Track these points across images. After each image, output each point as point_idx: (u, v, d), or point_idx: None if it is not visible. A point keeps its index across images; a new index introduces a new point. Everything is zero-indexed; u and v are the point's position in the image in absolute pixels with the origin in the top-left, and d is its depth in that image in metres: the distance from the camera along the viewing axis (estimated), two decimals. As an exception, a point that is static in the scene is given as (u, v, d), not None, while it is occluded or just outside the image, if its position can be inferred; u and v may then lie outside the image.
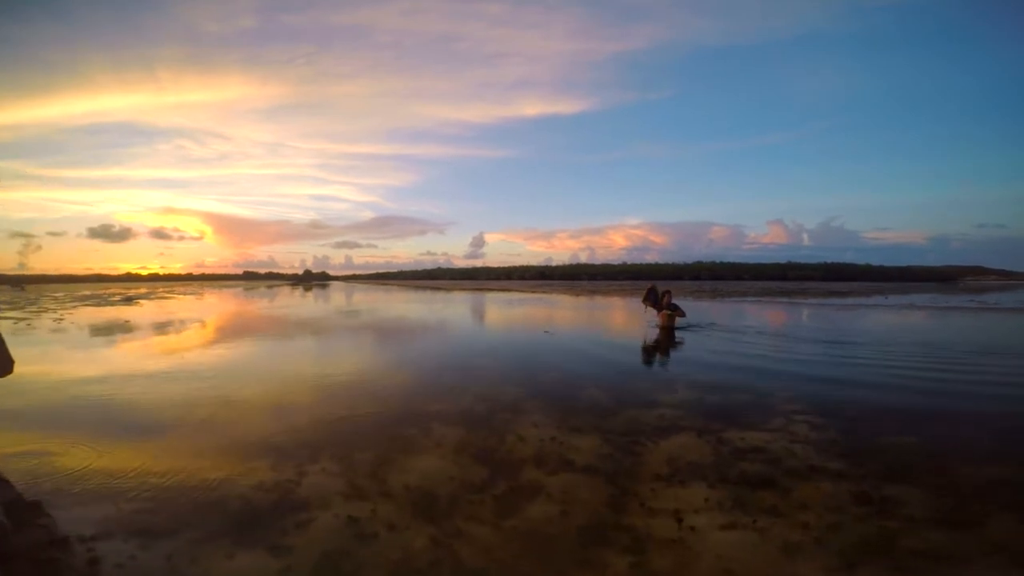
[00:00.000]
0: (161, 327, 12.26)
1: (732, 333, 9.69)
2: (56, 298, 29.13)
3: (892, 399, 4.91)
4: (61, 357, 7.61)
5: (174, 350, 8.22)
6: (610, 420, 4.14)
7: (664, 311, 10.47)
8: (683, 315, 10.37)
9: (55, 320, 14.05)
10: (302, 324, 12.83)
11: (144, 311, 18.18)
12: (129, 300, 26.22)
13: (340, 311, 17.75)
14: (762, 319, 13.79)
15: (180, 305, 21.99)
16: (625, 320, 12.99)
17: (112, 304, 22.51)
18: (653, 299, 10.98)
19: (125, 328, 11.95)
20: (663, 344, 8.36)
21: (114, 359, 7.52)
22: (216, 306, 21.27)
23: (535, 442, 3.62)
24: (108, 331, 11.33)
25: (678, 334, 9.52)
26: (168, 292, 40.71)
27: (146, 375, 6.27)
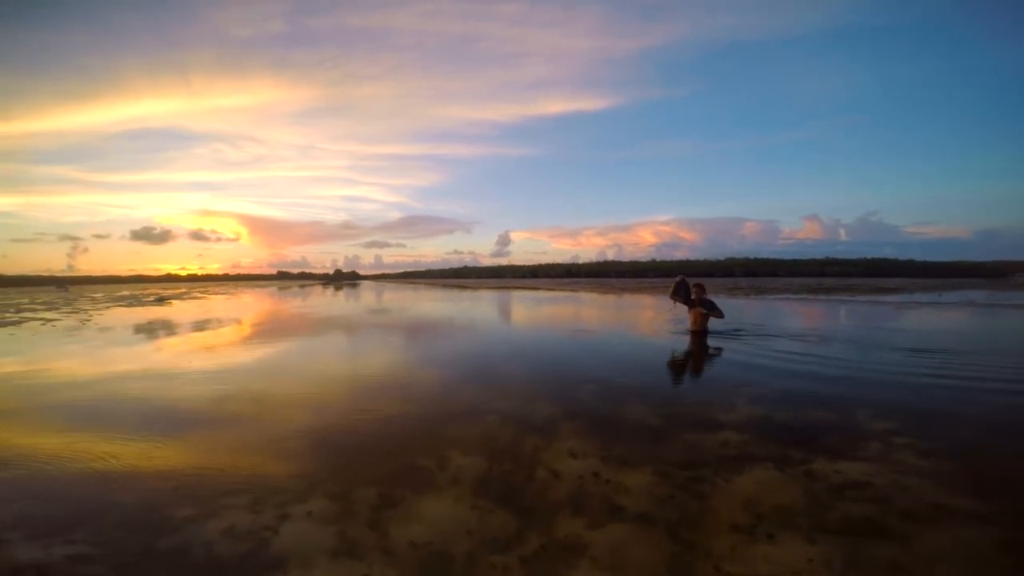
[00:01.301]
0: (179, 328, 12.05)
1: (785, 337, 8.40)
2: (94, 299, 29.91)
3: (1015, 418, 4.02)
4: (64, 356, 7.31)
5: (179, 352, 7.84)
6: (664, 447, 3.40)
7: (696, 308, 8.88)
8: (720, 315, 8.68)
9: (81, 321, 14.08)
10: (320, 325, 12.43)
11: (171, 311, 18.23)
12: (161, 300, 26.63)
13: (362, 311, 17.37)
14: (814, 319, 12.64)
15: (207, 305, 22.09)
16: (659, 320, 12.05)
17: (144, 305, 22.81)
18: (683, 294, 9.21)
19: (145, 329, 11.78)
20: (697, 353, 7.23)
21: (115, 360, 7.16)
22: (242, 306, 21.26)
23: (573, 479, 2.91)
24: (127, 332, 11.15)
25: (712, 341, 8.02)
26: (202, 292, 41.54)
27: (138, 376, 5.86)
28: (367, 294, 33.79)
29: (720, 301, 9.82)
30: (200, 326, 12.49)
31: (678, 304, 9.34)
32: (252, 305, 21.98)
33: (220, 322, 13.56)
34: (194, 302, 25.01)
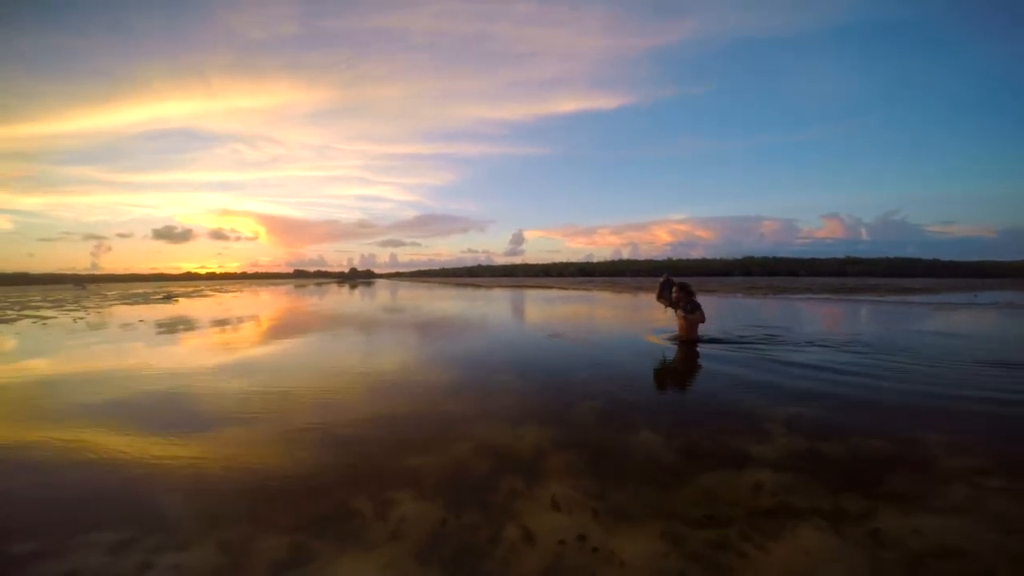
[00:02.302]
0: (166, 326, 11.52)
1: (819, 345, 7.22)
2: (105, 296, 29.94)
3: None
4: (34, 354, 6.76)
5: (147, 351, 7.24)
6: (676, 494, 2.61)
7: (679, 312, 7.71)
8: (701, 319, 7.53)
9: (74, 319, 13.69)
10: (308, 324, 11.80)
11: (172, 309, 17.85)
12: (168, 298, 26.44)
13: (360, 308, 16.75)
14: (848, 323, 11.60)
15: (211, 304, 21.73)
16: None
17: (150, 303, 22.57)
18: (668, 295, 7.98)
19: (132, 327, 11.27)
20: (684, 364, 6.16)
21: (81, 359, 6.57)
22: (243, 304, 20.84)
23: (551, 545, 2.13)
24: (115, 329, 10.64)
25: (710, 349, 6.85)
26: (214, 291, 41.54)
27: (78, 380, 5.22)
28: (376, 292, 33.32)
29: (736, 302, 8.93)
30: (190, 325, 11.96)
31: (669, 308, 8.12)
32: (253, 304, 21.55)
33: (211, 321, 13.04)
34: (200, 300, 24.73)
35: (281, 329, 11.00)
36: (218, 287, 54.43)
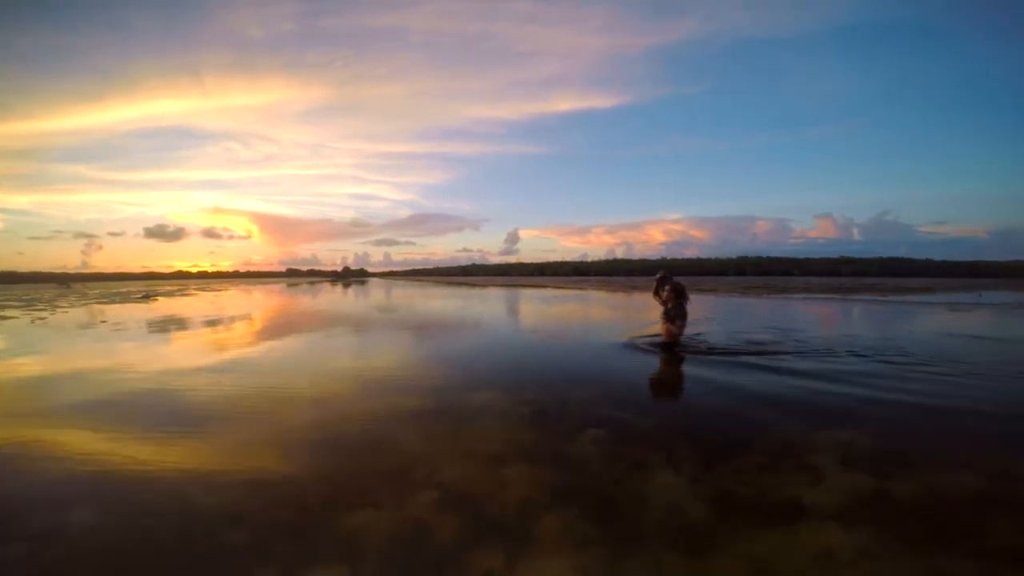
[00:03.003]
0: (127, 326, 10.65)
1: (844, 352, 6.25)
2: (84, 295, 28.88)
3: None
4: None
5: (90, 353, 6.42)
6: (717, 566, 1.86)
7: (662, 315, 6.95)
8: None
9: (34, 320, 12.78)
10: (281, 325, 10.97)
11: (144, 309, 16.91)
12: (147, 297, 25.45)
13: (345, 307, 15.92)
14: (865, 325, 10.89)
15: (190, 303, 20.79)
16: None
17: (126, 302, 21.59)
18: (661, 294, 7.17)
19: (90, 327, 10.39)
20: (686, 377, 5.30)
21: (23, 361, 5.75)
22: (222, 304, 19.93)
23: None
24: (72, 329, 9.77)
25: (720, 359, 5.86)
26: (200, 289, 40.46)
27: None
28: (365, 291, 32.40)
29: (736, 302, 8.19)
30: (155, 326, 11.10)
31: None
32: (229, 303, 20.62)
33: (176, 322, 12.17)
34: (180, 299, 23.75)
35: (238, 333, 10.16)
36: (205, 286, 53.25)
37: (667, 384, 5.01)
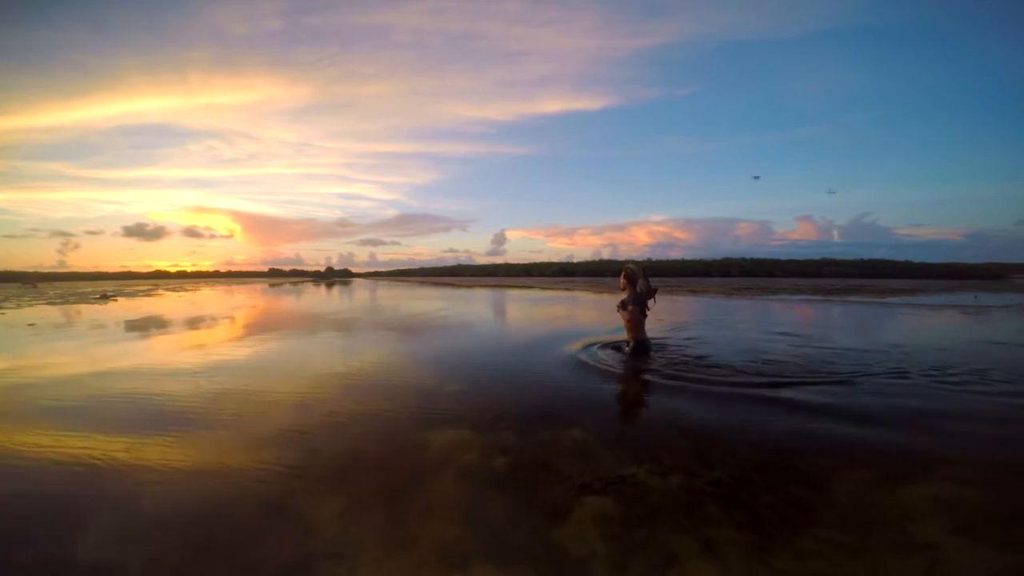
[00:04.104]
0: (60, 329, 9.35)
1: (912, 370, 5.13)
2: (44, 295, 27.08)
3: None
4: None
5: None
6: None
7: (626, 307, 6.04)
8: (633, 312, 5.89)
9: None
10: (235, 330, 9.77)
11: (92, 310, 15.47)
12: (104, 298, 23.84)
13: (319, 312, 14.70)
14: (879, 330, 10.06)
15: (148, 304, 19.31)
16: (677, 325, 9.43)
17: (81, 302, 20.02)
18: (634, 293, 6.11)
19: (21, 330, 9.08)
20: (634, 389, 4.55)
21: None
22: (182, 305, 18.52)
23: None
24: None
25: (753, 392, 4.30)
26: (169, 289, 38.63)
27: None
28: (344, 291, 31.01)
29: (729, 303, 7.20)
30: (88, 328, 9.79)
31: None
32: (192, 304, 19.20)
33: (113, 324, 10.87)
34: (141, 300, 22.20)
35: (170, 336, 8.94)
36: (179, 286, 51.20)
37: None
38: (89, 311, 15.64)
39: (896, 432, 3.36)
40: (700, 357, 5.86)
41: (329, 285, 49.04)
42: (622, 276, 6.25)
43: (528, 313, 13.63)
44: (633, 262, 6.39)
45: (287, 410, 3.97)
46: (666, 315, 11.40)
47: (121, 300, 21.98)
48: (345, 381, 5.02)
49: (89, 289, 40.58)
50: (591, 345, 6.75)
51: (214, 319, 12.64)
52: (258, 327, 10.59)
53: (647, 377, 4.91)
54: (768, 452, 3.05)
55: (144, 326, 10.93)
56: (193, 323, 11.57)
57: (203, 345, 7.77)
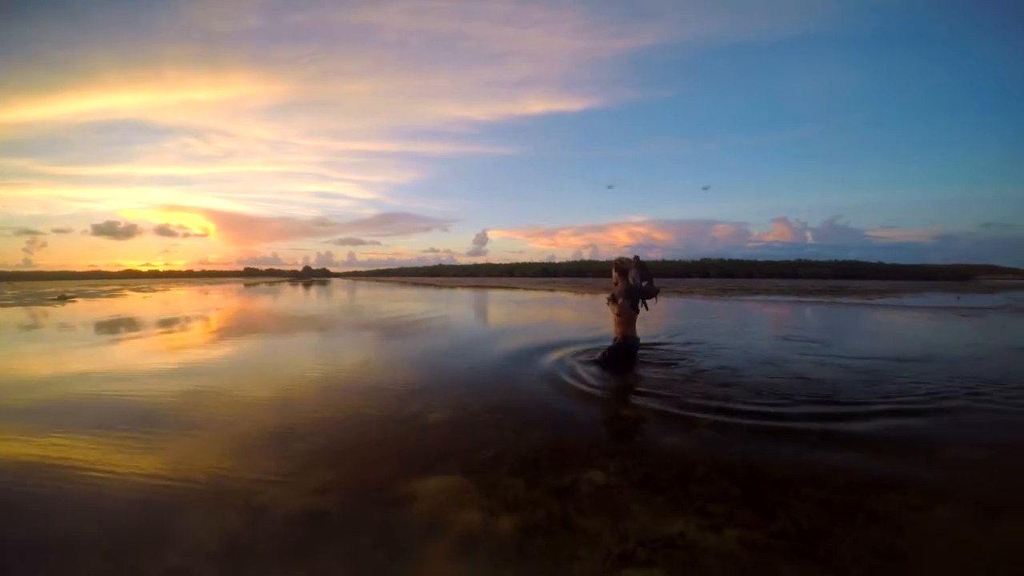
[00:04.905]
0: None
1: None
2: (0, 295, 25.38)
3: None
4: None
5: None
6: None
7: (616, 301, 5.49)
8: (623, 305, 5.31)
9: None
10: (187, 339, 8.89)
11: (41, 313, 14.28)
12: (62, 299, 22.39)
13: (289, 316, 13.80)
14: (898, 335, 9.69)
15: (108, 306, 18.07)
16: (675, 329, 8.86)
17: (37, 304, 18.66)
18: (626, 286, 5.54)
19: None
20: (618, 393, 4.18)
21: None
22: (149, 309, 17.35)
23: None
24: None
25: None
26: (135, 290, 36.86)
27: None
28: (317, 292, 29.87)
29: (723, 305, 6.58)
30: (26, 331, 8.80)
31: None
32: (157, 307, 18.03)
33: (59, 329, 9.86)
34: (101, 302, 20.85)
35: (119, 347, 8.05)
36: (148, 286, 49.13)
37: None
38: (39, 313, 14.44)
39: None
40: (715, 372, 5.23)
41: (306, 285, 47.62)
42: (613, 269, 5.71)
43: (518, 317, 12.96)
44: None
45: (225, 452, 3.25)
46: (659, 318, 10.87)
47: (80, 301, 20.62)
48: (306, 407, 4.30)
49: (52, 289, 38.52)
50: (595, 354, 6.09)
51: (165, 324, 11.67)
52: (211, 338, 9.71)
53: (662, 405, 4.25)
54: (837, 490, 2.46)
55: (93, 331, 9.94)
56: (147, 328, 10.61)
57: (141, 356, 6.91)
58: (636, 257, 5.69)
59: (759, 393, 4.37)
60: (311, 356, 6.64)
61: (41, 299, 22.55)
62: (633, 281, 5.54)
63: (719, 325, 10.01)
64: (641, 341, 5.75)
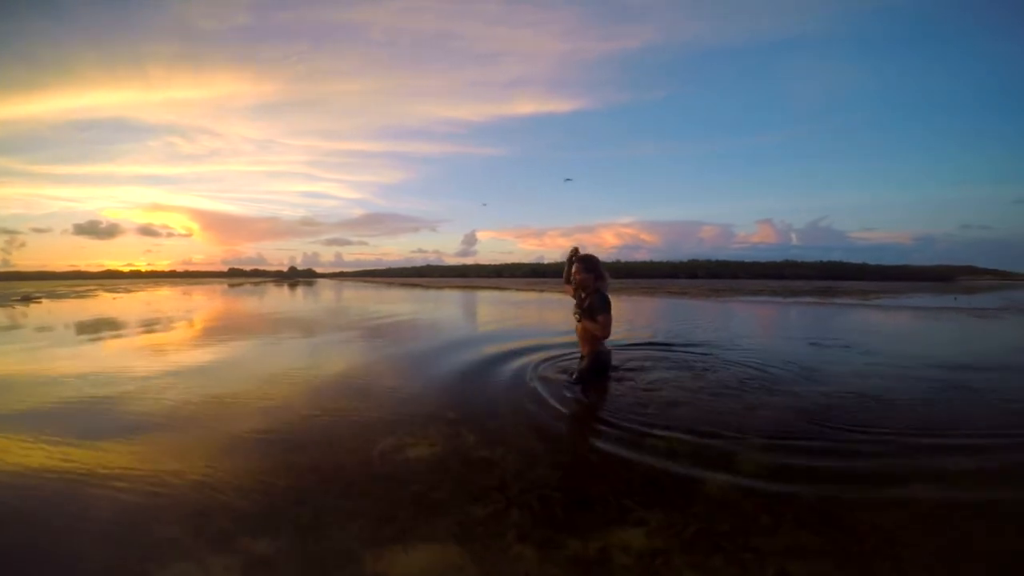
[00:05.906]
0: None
1: None
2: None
3: None
4: None
5: None
6: None
7: (576, 309, 4.63)
8: (603, 333, 4.36)
9: None
10: (143, 347, 8.03)
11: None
12: (27, 300, 21.18)
13: (267, 320, 12.94)
14: (917, 335, 9.17)
15: (71, 308, 16.99)
16: (681, 334, 8.16)
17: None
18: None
19: None
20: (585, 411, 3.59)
21: None
22: (114, 310, 16.33)
23: None
24: None
25: None
26: (108, 290, 35.45)
27: None
28: (301, 294, 28.85)
29: (720, 307, 5.90)
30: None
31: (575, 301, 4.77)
32: (123, 309, 16.99)
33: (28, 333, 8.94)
34: (67, 303, 19.68)
35: (59, 355, 7.19)
36: (124, 287, 47.50)
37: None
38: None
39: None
40: (753, 389, 4.50)
41: (291, 286, 46.41)
42: (580, 267, 4.71)
43: (515, 320, 12.24)
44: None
45: (181, 518, 2.49)
46: (661, 319, 10.23)
47: (44, 303, 19.45)
48: (266, 447, 3.54)
49: (23, 289, 36.92)
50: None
51: (120, 329, 10.75)
52: (176, 346, 8.86)
53: (692, 437, 3.57)
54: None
55: (37, 333, 9.01)
56: (101, 333, 9.70)
57: (88, 362, 6.07)
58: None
59: (821, 419, 3.63)
60: (269, 369, 5.85)
61: (3, 300, 21.31)
62: (573, 282, 4.70)
63: (730, 327, 9.38)
64: (654, 342, 5.02)
